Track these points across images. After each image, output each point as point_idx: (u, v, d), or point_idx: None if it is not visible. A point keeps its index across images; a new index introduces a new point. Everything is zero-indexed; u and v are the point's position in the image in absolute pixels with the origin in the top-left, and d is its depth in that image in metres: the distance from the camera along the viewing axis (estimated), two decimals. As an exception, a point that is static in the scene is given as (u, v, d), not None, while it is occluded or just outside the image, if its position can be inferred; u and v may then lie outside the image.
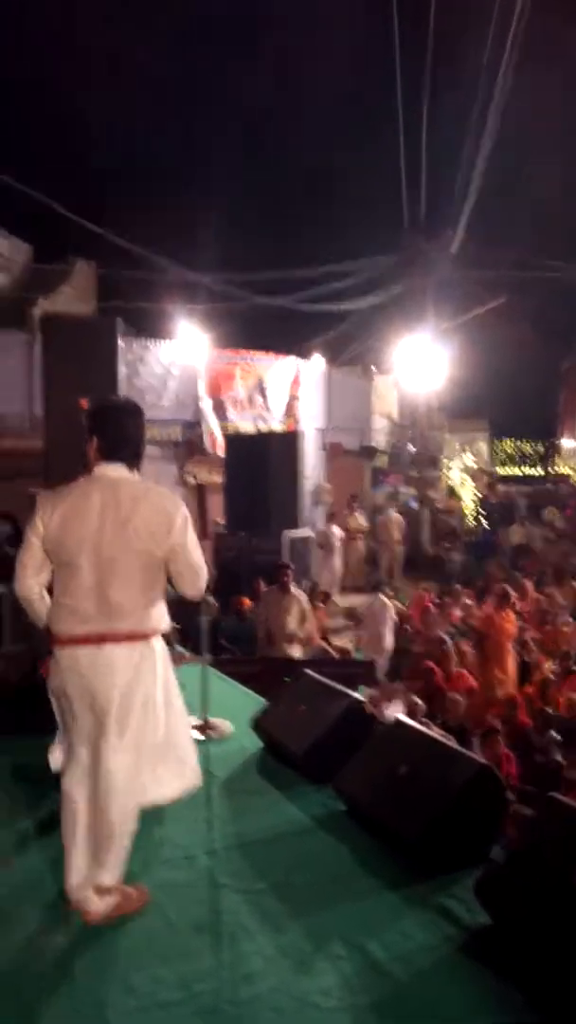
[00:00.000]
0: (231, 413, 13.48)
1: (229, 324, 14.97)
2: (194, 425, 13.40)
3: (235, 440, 10.93)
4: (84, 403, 6.53)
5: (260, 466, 9.09)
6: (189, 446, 13.37)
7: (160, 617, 2.83)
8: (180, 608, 7.01)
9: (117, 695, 2.69)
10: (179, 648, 5.45)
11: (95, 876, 2.68)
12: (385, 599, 9.43)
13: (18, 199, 9.82)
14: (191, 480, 5.21)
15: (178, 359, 13.41)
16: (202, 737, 4.63)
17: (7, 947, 2.65)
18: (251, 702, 5.47)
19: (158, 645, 2.83)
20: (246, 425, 13.51)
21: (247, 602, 8.12)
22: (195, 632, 7.13)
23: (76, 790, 2.73)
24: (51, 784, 3.12)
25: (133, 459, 2.85)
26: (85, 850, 2.70)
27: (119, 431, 2.87)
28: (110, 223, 11.22)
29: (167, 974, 2.51)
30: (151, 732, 2.81)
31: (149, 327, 13.79)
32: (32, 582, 2.81)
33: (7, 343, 12.62)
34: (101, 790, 2.69)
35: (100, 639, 2.69)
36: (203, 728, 4.70)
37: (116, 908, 2.71)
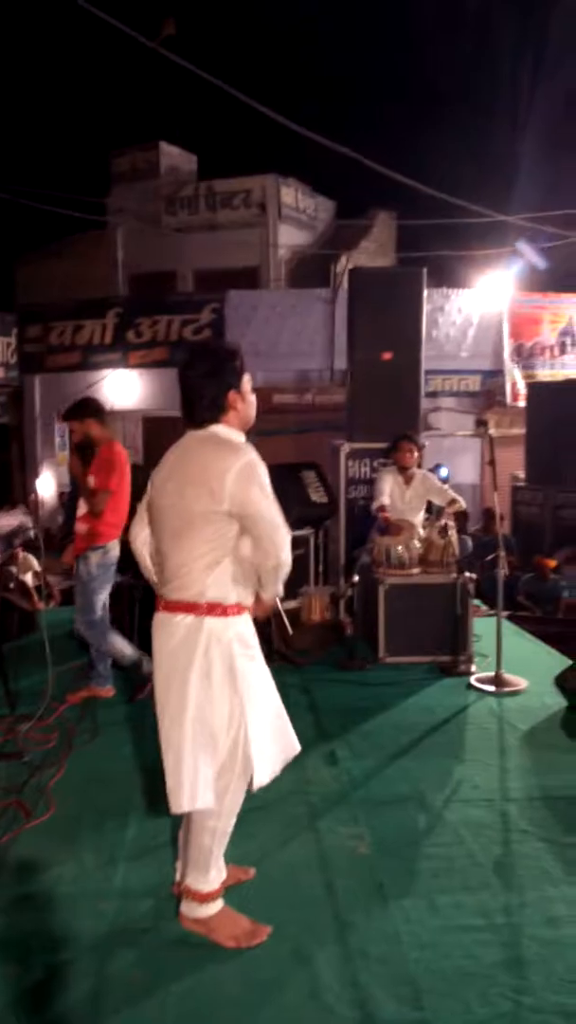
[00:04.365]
0: (536, 361, 12.84)
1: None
2: (494, 374, 13.02)
3: (540, 389, 10.44)
4: (387, 355, 6.76)
5: (568, 417, 8.61)
6: (487, 396, 13.05)
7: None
8: (477, 560, 7.00)
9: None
10: (475, 601, 5.45)
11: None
12: None
13: (323, 154, 10.10)
14: (487, 431, 5.03)
15: (479, 307, 13.05)
16: (492, 688, 4.65)
17: (317, 859, 2.95)
18: (550, 659, 5.34)
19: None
20: (553, 373, 12.79)
21: (551, 563, 7.81)
22: (490, 585, 7.10)
23: None
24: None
25: (201, 420, 2.40)
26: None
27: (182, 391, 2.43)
28: (412, 170, 11.08)
29: (469, 901, 2.63)
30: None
31: (450, 275, 13.54)
32: None
33: (310, 301, 13.27)
34: None
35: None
36: (496, 681, 4.71)
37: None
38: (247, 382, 2.44)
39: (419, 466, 5.94)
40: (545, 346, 12.88)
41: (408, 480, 5.76)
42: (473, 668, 5.02)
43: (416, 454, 5.80)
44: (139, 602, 5.00)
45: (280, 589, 2.46)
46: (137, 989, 2.23)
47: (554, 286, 13.60)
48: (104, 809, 3.23)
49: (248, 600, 2.43)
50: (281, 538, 2.34)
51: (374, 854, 2.92)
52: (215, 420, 2.40)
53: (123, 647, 4.49)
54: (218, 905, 2.47)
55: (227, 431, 2.40)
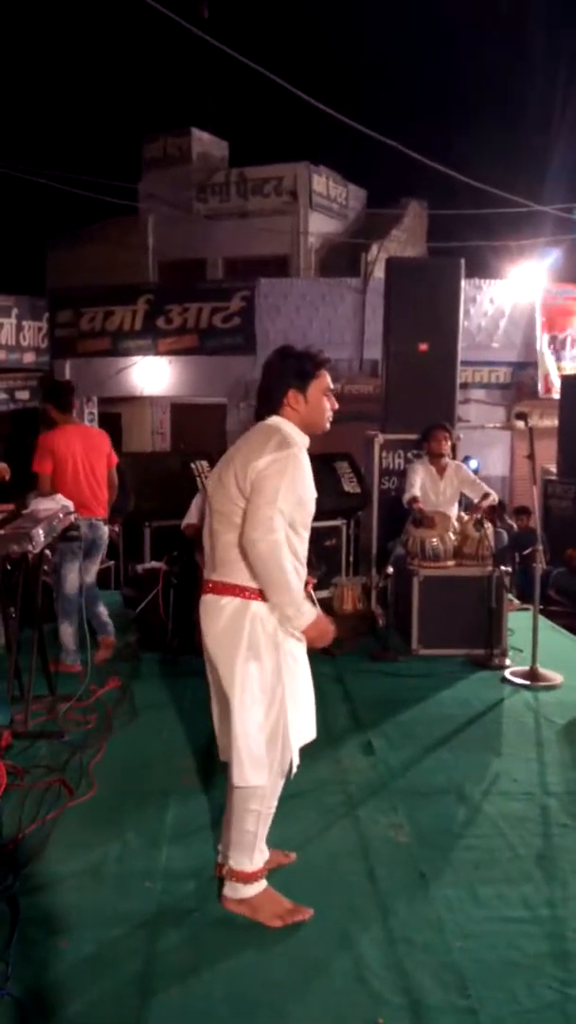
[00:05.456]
0: (569, 352, 12.69)
1: (572, 256, 13.88)
2: (525, 366, 12.90)
3: (574, 382, 10.30)
4: (424, 347, 6.71)
5: (601, 410, 8.50)
6: (518, 388, 12.94)
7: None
8: (511, 554, 6.95)
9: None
10: (508, 595, 5.41)
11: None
12: None
13: (354, 142, 9.94)
14: (520, 424, 4.98)
15: (511, 298, 12.91)
16: (527, 682, 4.63)
17: (357, 846, 2.97)
18: (585, 655, 5.30)
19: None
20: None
21: (581, 554, 7.74)
22: (522, 579, 7.05)
23: None
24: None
25: (260, 413, 2.50)
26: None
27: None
28: (445, 159, 10.93)
29: (512, 893, 2.64)
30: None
31: (481, 266, 13.40)
32: None
33: (340, 290, 13.19)
34: None
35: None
36: (531, 676, 4.68)
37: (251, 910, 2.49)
38: (317, 388, 2.44)
39: (453, 456, 5.91)
40: (576, 338, 12.71)
41: (441, 471, 5.73)
42: (507, 662, 5.00)
43: (449, 442, 5.77)
44: (174, 588, 5.03)
45: (286, 606, 2.30)
46: (186, 969, 2.26)
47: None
48: (145, 791, 3.27)
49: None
50: (262, 543, 2.24)
51: (413, 844, 2.93)
52: (273, 413, 2.45)
53: (68, 638, 4.63)
54: (261, 885, 2.50)
55: (285, 424, 2.42)
